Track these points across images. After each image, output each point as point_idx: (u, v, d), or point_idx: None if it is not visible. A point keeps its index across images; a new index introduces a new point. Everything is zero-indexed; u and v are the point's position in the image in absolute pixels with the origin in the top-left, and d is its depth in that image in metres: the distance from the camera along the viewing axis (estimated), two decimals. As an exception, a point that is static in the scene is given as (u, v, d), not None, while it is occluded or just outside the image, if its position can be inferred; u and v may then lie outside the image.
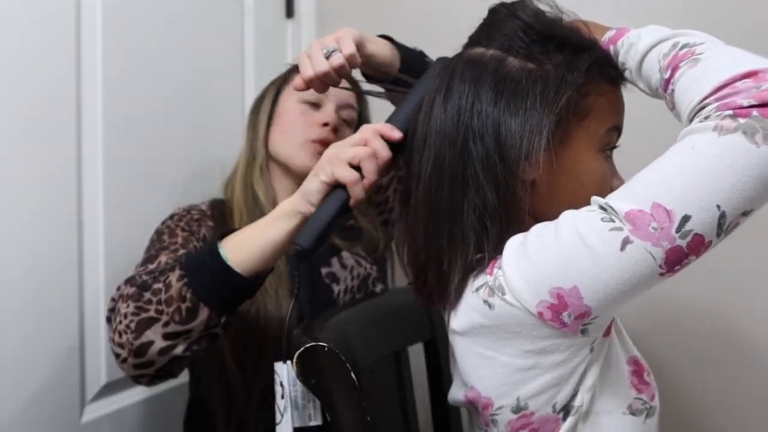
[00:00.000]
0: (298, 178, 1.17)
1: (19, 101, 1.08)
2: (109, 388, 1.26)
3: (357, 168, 0.87)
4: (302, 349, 0.82)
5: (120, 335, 0.94)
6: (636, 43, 0.78)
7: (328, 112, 1.20)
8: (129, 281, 0.98)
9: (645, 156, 0.70)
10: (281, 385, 0.90)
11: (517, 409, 0.76)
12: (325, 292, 1.18)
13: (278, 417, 0.90)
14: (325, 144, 1.16)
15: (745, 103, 0.62)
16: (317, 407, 0.90)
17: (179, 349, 0.94)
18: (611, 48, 0.83)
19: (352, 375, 0.82)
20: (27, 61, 1.09)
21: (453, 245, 0.78)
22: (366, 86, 1.06)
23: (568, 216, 0.70)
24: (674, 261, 0.64)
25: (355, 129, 1.26)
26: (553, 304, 0.69)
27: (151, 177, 1.33)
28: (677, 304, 1.36)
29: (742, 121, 0.61)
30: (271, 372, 0.92)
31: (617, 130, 0.82)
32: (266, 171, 1.23)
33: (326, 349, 0.82)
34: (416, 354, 1.15)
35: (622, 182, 0.82)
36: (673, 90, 0.71)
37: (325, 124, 1.19)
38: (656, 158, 0.67)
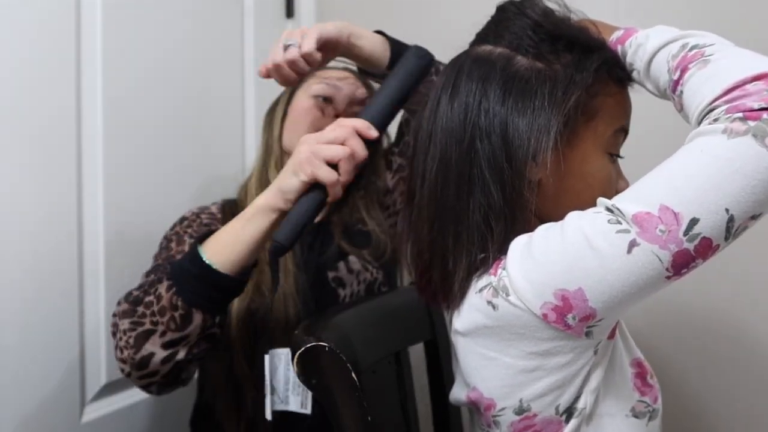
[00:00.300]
0: None
1: (19, 101, 1.08)
2: (109, 388, 1.26)
3: (334, 166, 0.88)
4: (303, 349, 0.82)
5: (121, 351, 0.96)
6: (644, 44, 0.77)
7: (337, 107, 1.21)
8: (125, 297, 1.00)
9: (652, 157, 0.70)
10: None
11: (520, 411, 0.76)
12: (331, 296, 1.18)
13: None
14: None
15: (756, 106, 0.61)
16: (298, 393, 0.97)
17: (181, 355, 0.95)
18: (619, 48, 0.82)
19: (353, 375, 0.82)
20: (27, 62, 1.09)
21: (458, 244, 0.77)
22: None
23: (573, 217, 0.70)
24: (681, 264, 0.64)
25: None
26: (558, 306, 0.68)
27: (151, 177, 1.33)
28: (681, 307, 1.35)
29: (752, 124, 0.61)
30: None
31: (624, 131, 0.82)
32: (282, 167, 1.23)
33: (327, 349, 0.82)
34: (416, 354, 1.14)
35: (627, 183, 0.81)
36: (681, 91, 0.71)
37: (336, 117, 1.18)
38: (664, 160, 0.66)
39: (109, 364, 1.23)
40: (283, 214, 0.92)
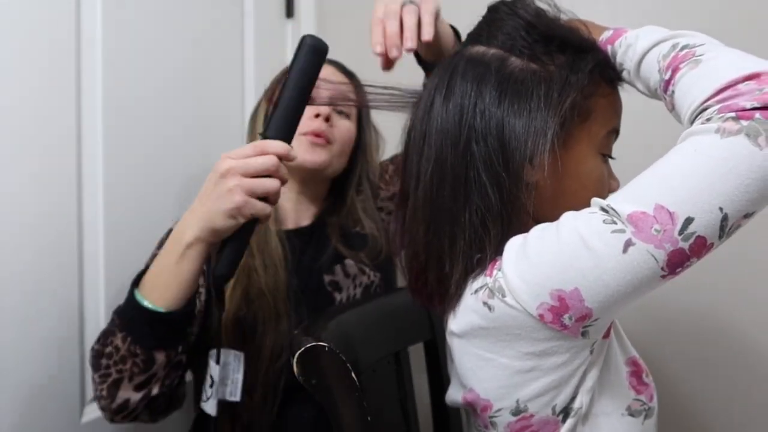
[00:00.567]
0: (295, 172, 1.17)
1: (19, 101, 1.08)
2: (109, 388, 1.26)
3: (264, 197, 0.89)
4: (303, 349, 0.82)
5: (99, 401, 0.99)
6: (634, 44, 0.77)
7: (321, 109, 1.18)
8: (90, 350, 1.00)
9: (644, 157, 0.70)
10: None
11: (517, 412, 0.76)
12: (327, 300, 1.17)
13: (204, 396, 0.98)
14: (317, 135, 1.17)
15: (748, 105, 0.61)
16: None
17: (155, 391, 0.98)
18: (609, 48, 0.82)
19: (353, 375, 0.82)
20: (27, 62, 1.09)
21: (455, 246, 0.77)
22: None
23: (568, 218, 0.70)
24: (676, 263, 0.64)
25: (357, 119, 1.26)
26: (554, 306, 0.68)
27: (151, 177, 1.33)
28: (676, 305, 1.36)
29: (744, 123, 0.61)
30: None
31: (616, 132, 0.82)
32: None
33: (327, 349, 0.82)
34: (416, 354, 1.14)
35: (618, 183, 0.82)
36: (673, 91, 0.71)
37: (317, 116, 1.18)
38: (656, 160, 0.66)
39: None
40: (214, 245, 0.92)
